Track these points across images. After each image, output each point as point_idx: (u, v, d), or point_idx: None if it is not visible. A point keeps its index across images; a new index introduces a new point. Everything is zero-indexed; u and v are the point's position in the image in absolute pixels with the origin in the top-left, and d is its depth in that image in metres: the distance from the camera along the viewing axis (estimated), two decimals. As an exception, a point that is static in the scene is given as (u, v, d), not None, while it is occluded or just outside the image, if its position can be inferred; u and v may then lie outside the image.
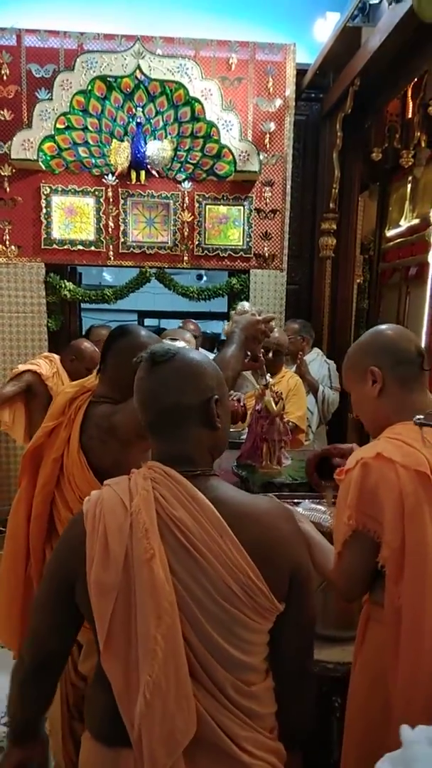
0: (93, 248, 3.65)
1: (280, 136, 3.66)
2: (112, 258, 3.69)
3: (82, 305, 4.23)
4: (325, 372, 3.53)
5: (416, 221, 3.90)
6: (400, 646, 1.07)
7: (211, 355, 2.27)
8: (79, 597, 0.95)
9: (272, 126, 3.64)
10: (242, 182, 3.65)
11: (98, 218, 3.63)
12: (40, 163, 3.46)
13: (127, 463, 1.35)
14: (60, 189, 3.58)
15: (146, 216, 3.66)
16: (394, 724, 1.03)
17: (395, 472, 1.09)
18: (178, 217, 3.66)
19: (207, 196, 3.67)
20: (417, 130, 3.43)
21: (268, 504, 1.03)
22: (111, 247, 3.66)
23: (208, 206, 3.67)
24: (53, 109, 3.38)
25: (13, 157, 3.40)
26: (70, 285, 3.71)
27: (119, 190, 3.61)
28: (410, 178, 3.98)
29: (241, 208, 3.70)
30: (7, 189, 3.55)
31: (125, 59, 3.36)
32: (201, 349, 3.83)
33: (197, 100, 3.43)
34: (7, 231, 3.58)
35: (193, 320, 4.28)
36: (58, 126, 3.41)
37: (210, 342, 5.95)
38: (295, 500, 1.59)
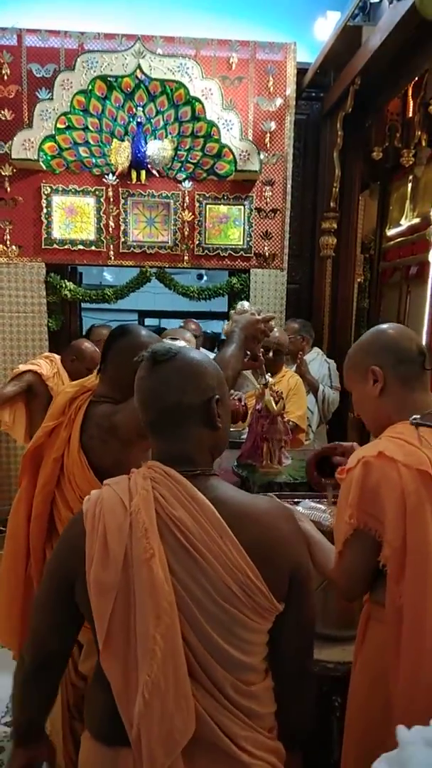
0: (93, 248, 3.65)
1: (281, 135, 3.66)
2: (113, 258, 3.69)
3: (83, 305, 4.23)
4: (325, 371, 3.53)
5: (417, 220, 3.90)
6: (401, 645, 1.06)
7: (212, 355, 2.27)
8: (79, 596, 0.95)
9: (273, 125, 3.64)
10: (243, 182, 3.65)
11: (99, 218, 3.63)
12: (41, 163, 3.46)
13: (127, 462, 1.35)
14: (60, 189, 3.58)
15: (147, 215, 3.66)
16: (394, 724, 1.03)
17: (397, 471, 1.09)
18: (179, 217, 3.66)
19: (207, 195, 3.66)
20: (417, 129, 3.43)
21: (268, 504, 1.03)
22: (111, 246, 3.66)
23: (208, 206, 3.67)
24: (54, 109, 3.38)
25: (13, 156, 3.40)
26: (70, 285, 3.71)
27: (120, 189, 3.61)
28: (411, 177, 3.97)
29: (242, 207, 3.70)
30: (8, 189, 3.55)
31: (126, 59, 3.36)
32: (202, 349, 3.83)
33: (198, 100, 3.43)
34: (7, 231, 3.58)
35: (194, 320, 4.28)
36: (58, 126, 3.41)
37: (210, 341, 5.96)
38: (295, 500, 1.58)
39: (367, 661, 1.19)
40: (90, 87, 3.38)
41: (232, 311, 1.86)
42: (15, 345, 3.65)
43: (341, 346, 3.84)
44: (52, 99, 3.38)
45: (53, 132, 3.40)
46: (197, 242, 3.69)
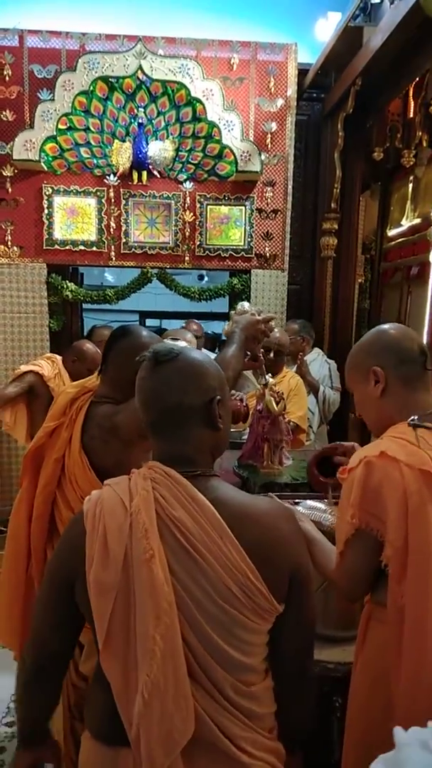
0: (94, 249, 3.66)
1: (282, 136, 3.66)
2: (114, 258, 3.69)
3: (84, 306, 4.23)
4: (326, 372, 3.52)
5: (417, 221, 3.90)
6: (403, 646, 1.06)
7: (213, 355, 2.27)
8: (79, 596, 0.95)
9: (274, 126, 3.64)
10: (243, 182, 3.65)
11: (100, 219, 3.63)
12: (42, 164, 3.46)
13: (128, 463, 1.35)
14: (62, 189, 3.58)
15: (148, 216, 3.66)
16: (395, 724, 1.03)
17: (399, 470, 1.09)
18: (180, 218, 3.66)
19: (208, 196, 3.67)
20: (418, 130, 3.43)
21: (269, 504, 1.03)
22: (112, 247, 3.67)
23: (209, 206, 3.67)
24: (55, 110, 3.38)
25: (15, 157, 3.40)
26: (71, 285, 3.72)
27: (121, 190, 3.61)
28: (411, 177, 3.97)
29: (243, 208, 3.70)
30: (9, 189, 3.56)
31: (127, 60, 3.36)
32: (203, 350, 3.83)
33: (199, 101, 3.44)
34: (9, 231, 3.59)
35: (196, 320, 4.27)
36: (60, 126, 3.41)
37: (211, 342, 5.95)
38: (296, 500, 1.58)
39: (368, 661, 1.19)
40: (91, 88, 3.39)
41: (232, 312, 1.86)
42: (16, 346, 3.66)
43: (342, 346, 3.84)
44: (53, 100, 3.39)
45: (54, 133, 3.41)
46: (198, 243, 3.70)
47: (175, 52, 3.45)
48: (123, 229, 3.65)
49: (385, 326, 1.31)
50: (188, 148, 3.57)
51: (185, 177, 3.63)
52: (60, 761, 1.13)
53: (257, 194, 3.70)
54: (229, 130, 3.47)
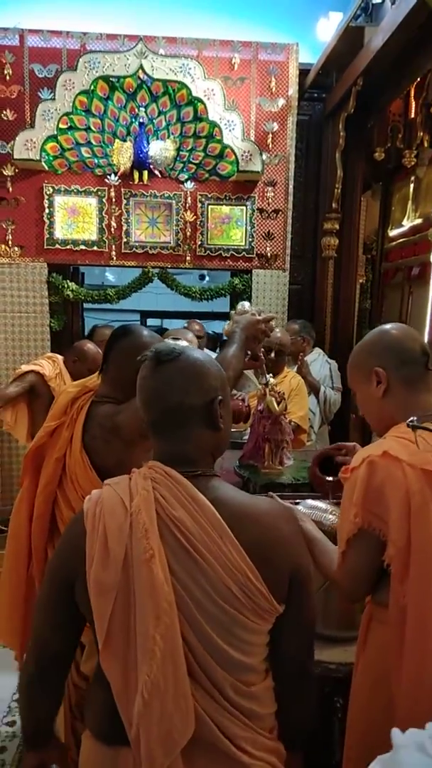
0: (95, 248, 3.66)
1: (283, 136, 3.66)
2: (115, 258, 3.69)
3: (85, 305, 4.23)
4: (327, 372, 3.51)
5: (419, 221, 3.90)
6: (404, 646, 1.06)
7: (214, 355, 2.27)
8: (79, 596, 0.95)
9: (275, 126, 3.64)
10: (245, 182, 3.65)
11: (101, 218, 3.63)
12: (43, 163, 3.47)
13: (130, 462, 1.35)
14: (63, 189, 3.58)
15: (149, 216, 3.66)
16: (396, 725, 1.03)
17: (402, 470, 1.09)
18: (181, 217, 3.66)
19: (209, 196, 3.67)
20: (420, 130, 3.43)
21: (269, 504, 1.03)
22: (113, 247, 3.67)
23: (210, 206, 3.67)
24: (56, 109, 3.38)
25: (15, 157, 3.40)
26: (72, 285, 3.72)
27: (122, 190, 3.61)
28: (413, 177, 3.98)
29: (244, 208, 3.70)
30: (10, 189, 3.56)
31: (128, 59, 3.36)
32: (205, 350, 3.83)
33: (200, 100, 3.44)
34: (9, 231, 3.59)
35: (198, 320, 4.26)
36: (60, 126, 3.41)
37: (213, 342, 5.95)
38: (296, 501, 1.58)
39: (369, 662, 1.19)
40: (92, 87, 3.39)
41: (232, 311, 1.86)
42: (17, 345, 3.66)
43: (343, 346, 3.84)
44: (54, 99, 3.39)
45: (55, 132, 3.41)
46: (199, 243, 3.70)
47: (176, 51, 3.45)
48: (124, 228, 3.65)
49: (387, 326, 1.31)
50: (189, 147, 3.57)
51: (186, 177, 3.63)
52: (67, 764, 1.12)
53: (258, 194, 3.70)
54: (230, 130, 3.47)
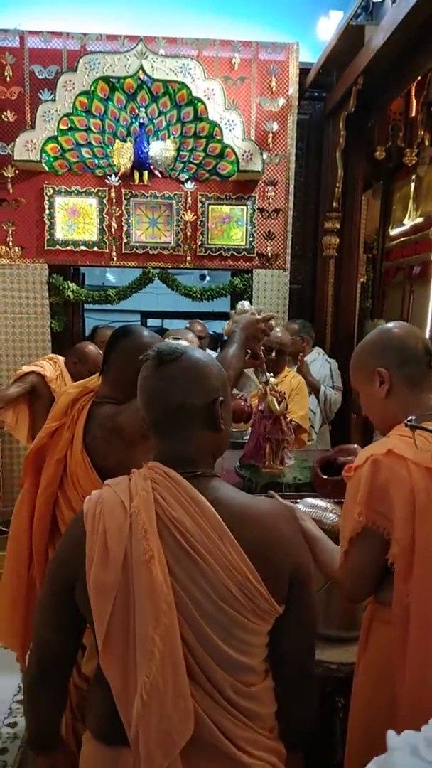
0: (96, 249, 3.66)
1: (283, 135, 3.66)
2: (115, 258, 3.70)
3: (85, 306, 4.24)
4: (327, 372, 3.51)
5: (420, 220, 3.90)
6: (408, 645, 1.06)
7: (214, 354, 2.27)
8: (79, 597, 0.96)
9: (275, 125, 3.64)
10: (245, 182, 3.65)
11: (101, 219, 3.64)
12: (43, 164, 3.47)
13: (131, 463, 1.35)
14: (63, 190, 3.59)
15: (149, 216, 3.67)
16: (398, 725, 1.03)
17: (407, 468, 1.09)
18: (181, 217, 3.66)
19: (210, 195, 3.67)
20: (420, 129, 3.43)
21: (269, 505, 1.03)
22: (114, 247, 3.67)
23: (210, 206, 3.68)
24: (56, 110, 3.39)
25: (16, 158, 3.41)
26: (73, 286, 3.72)
27: (122, 190, 3.62)
28: (414, 176, 3.97)
29: (244, 207, 3.70)
30: (11, 190, 3.56)
31: (128, 60, 3.37)
32: (207, 350, 3.82)
33: (200, 100, 3.44)
34: (10, 232, 3.59)
35: (200, 321, 4.25)
36: (61, 127, 3.42)
37: (213, 342, 5.94)
38: (297, 500, 1.58)
39: (371, 662, 1.19)
40: (92, 88, 3.39)
41: (232, 311, 1.86)
42: (18, 346, 3.66)
43: (344, 346, 3.84)
44: (54, 100, 3.39)
45: (56, 133, 3.41)
46: (200, 243, 3.70)
47: (176, 51, 3.45)
48: (124, 229, 3.65)
49: (390, 325, 1.31)
50: (189, 147, 3.58)
51: (186, 177, 3.63)
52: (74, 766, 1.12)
53: (259, 194, 3.70)
54: (230, 130, 3.47)
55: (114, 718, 0.90)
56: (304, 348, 3.48)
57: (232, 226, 3.72)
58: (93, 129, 3.51)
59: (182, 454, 1.00)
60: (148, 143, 3.51)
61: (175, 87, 3.44)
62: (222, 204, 3.69)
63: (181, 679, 0.87)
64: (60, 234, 3.63)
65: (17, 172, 3.54)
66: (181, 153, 3.58)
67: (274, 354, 2.74)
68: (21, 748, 2.09)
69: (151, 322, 8.20)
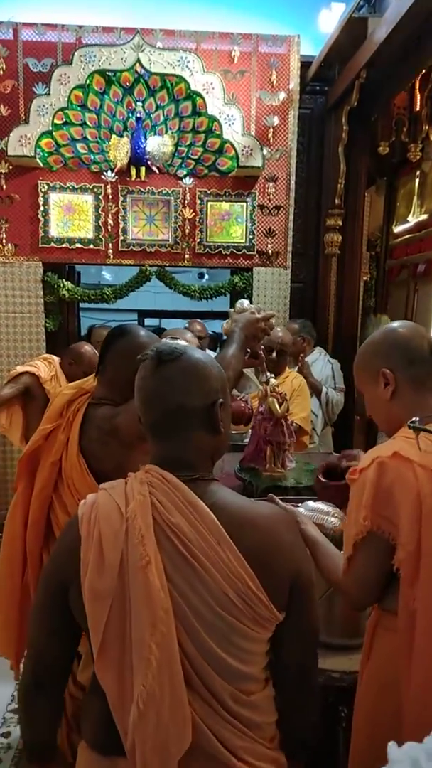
0: (92, 246, 3.67)
1: (284, 130, 3.67)
2: (112, 256, 3.70)
3: (81, 305, 4.24)
4: (329, 372, 3.50)
5: (424, 217, 3.91)
6: (413, 652, 1.06)
7: (213, 354, 2.28)
8: (73, 602, 0.95)
9: (276, 120, 3.64)
10: (245, 178, 3.66)
11: (97, 216, 3.64)
12: (38, 160, 3.47)
13: (128, 466, 1.35)
14: (58, 186, 3.59)
15: (146, 213, 3.67)
16: (404, 733, 1.03)
17: (413, 471, 1.08)
18: (179, 214, 3.67)
19: (209, 192, 3.67)
20: (425, 123, 3.44)
21: (269, 510, 1.03)
22: (110, 245, 3.67)
23: (209, 203, 3.68)
24: (51, 105, 3.39)
25: (9, 153, 3.41)
26: (68, 284, 3.72)
27: (119, 186, 3.62)
28: (418, 172, 3.98)
29: (244, 204, 3.70)
30: (4, 186, 3.57)
31: (124, 53, 3.37)
32: (207, 350, 3.81)
33: (199, 94, 3.44)
34: (3, 229, 3.60)
35: (200, 320, 4.24)
36: (55, 122, 3.42)
37: (213, 342, 5.94)
38: (298, 504, 1.58)
39: (375, 670, 1.19)
40: (88, 82, 3.40)
41: (231, 310, 1.86)
42: (11, 346, 3.66)
43: (346, 346, 3.84)
44: (49, 94, 3.40)
45: (50, 128, 3.42)
46: (198, 240, 3.70)
47: (174, 44, 3.46)
48: (121, 226, 3.66)
49: (395, 324, 1.30)
50: (188, 143, 3.58)
51: (185, 173, 3.63)
52: None
53: (259, 190, 3.71)
54: (229, 125, 3.48)
55: (110, 727, 0.89)
56: (304, 348, 3.48)
57: (231, 223, 3.72)
58: (89, 124, 3.51)
59: (180, 457, 0.99)
60: (146, 138, 3.52)
61: (173, 81, 3.44)
62: (221, 200, 3.69)
63: (179, 687, 0.87)
64: (55, 231, 3.63)
65: (11, 167, 3.54)
66: (179, 148, 3.59)
67: (274, 354, 2.75)
68: (15, 758, 2.09)
69: (148, 321, 8.21)
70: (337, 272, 3.92)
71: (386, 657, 1.14)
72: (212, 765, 0.90)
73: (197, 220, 3.68)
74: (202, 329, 3.93)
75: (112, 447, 1.54)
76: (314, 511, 1.47)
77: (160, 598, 0.88)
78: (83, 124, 3.51)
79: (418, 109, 3.45)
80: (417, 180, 4.02)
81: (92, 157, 3.58)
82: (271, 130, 3.65)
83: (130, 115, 3.51)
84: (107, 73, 3.41)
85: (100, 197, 3.62)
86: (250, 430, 2.22)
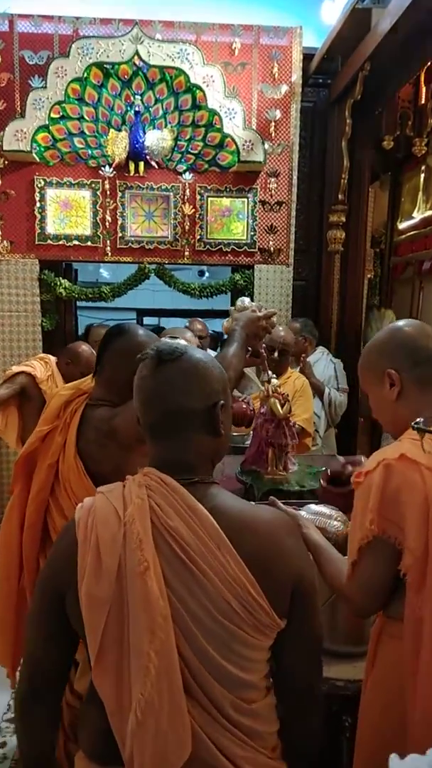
0: (89, 243, 3.67)
1: (286, 124, 3.67)
2: (110, 254, 3.70)
3: (78, 303, 4.24)
4: (331, 372, 3.49)
5: (430, 213, 3.90)
6: (420, 659, 1.05)
7: (214, 353, 2.27)
8: (70, 608, 0.95)
9: (277, 113, 3.64)
10: (246, 173, 3.65)
11: (95, 212, 3.64)
12: (34, 155, 3.47)
13: (126, 468, 1.35)
14: (55, 182, 3.59)
15: (145, 209, 3.67)
16: (409, 743, 1.03)
17: (420, 474, 1.08)
18: (179, 210, 3.67)
19: (209, 187, 3.67)
20: (430, 117, 3.43)
21: (270, 514, 1.03)
22: (108, 242, 3.67)
23: (210, 198, 3.68)
24: (47, 98, 3.39)
25: (5, 148, 3.42)
26: (65, 282, 3.72)
27: (117, 182, 3.62)
28: (423, 167, 3.97)
29: (245, 200, 3.70)
30: None
31: (123, 45, 3.37)
32: (208, 350, 3.81)
33: (198, 87, 3.44)
34: (-1, 226, 3.60)
35: (200, 320, 4.23)
36: (52, 115, 3.42)
37: (214, 341, 5.94)
38: (300, 507, 1.58)
39: (380, 679, 1.18)
40: (85, 75, 3.40)
41: (231, 308, 1.86)
42: (7, 346, 3.66)
43: (350, 345, 3.84)
44: (45, 87, 3.40)
45: (47, 122, 3.42)
46: (198, 237, 3.70)
47: (173, 36, 3.46)
48: (119, 222, 3.65)
49: (400, 323, 1.30)
50: (188, 137, 3.58)
51: (184, 168, 3.63)
52: None
53: (260, 185, 3.71)
54: (230, 119, 3.48)
55: (108, 736, 0.89)
56: (306, 348, 3.47)
57: (232, 219, 3.72)
58: (86, 117, 3.51)
59: (179, 460, 0.99)
60: (144, 132, 3.52)
61: (172, 73, 3.44)
62: (222, 196, 3.69)
63: (178, 695, 0.87)
64: (51, 228, 3.63)
65: (6, 162, 3.54)
66: (178, 143, 3.59)
67: (276, 354, 2.74)
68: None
69: (147, 320, 8.19)
70: (340, 270, 3.92)
71: (391, 665, 1.14)
72: None
73: (197, 216, 3.68)
74: (203, 328, 3.92)
75: (110, 449, 1.54)
76: (317, 514, 1.46)
77: (158, 605, 0.87)
78: (80, 118, 3.51)
79: (423, 102, 3.44)
80: (422, 175, 4.01)
81: (90, 151, 3.58)
82: (273, 124, 3.65)
83: (129, 108, 3.51)
84: (105, 65, 3.41)
85: (98, 193, 3.62)
86: (251, 432, 2.22)
